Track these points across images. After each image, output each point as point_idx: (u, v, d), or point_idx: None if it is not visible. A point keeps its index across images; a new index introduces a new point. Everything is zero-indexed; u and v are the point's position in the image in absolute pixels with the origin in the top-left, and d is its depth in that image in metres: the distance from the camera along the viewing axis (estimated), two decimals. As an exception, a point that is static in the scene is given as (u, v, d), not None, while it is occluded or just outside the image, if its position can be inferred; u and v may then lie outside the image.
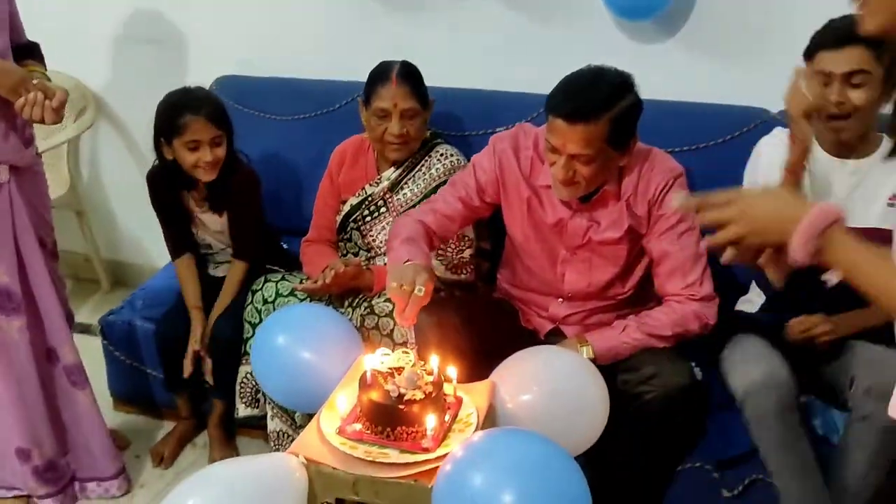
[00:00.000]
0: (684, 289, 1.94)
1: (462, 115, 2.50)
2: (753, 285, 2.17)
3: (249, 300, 2.19)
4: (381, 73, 2.18)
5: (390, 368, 1.59)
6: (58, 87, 1.82)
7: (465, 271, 2.20)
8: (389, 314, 2.01)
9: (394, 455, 1.48)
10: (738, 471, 1.96)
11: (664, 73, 2.33)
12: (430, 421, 1.48)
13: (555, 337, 2.09)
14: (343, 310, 2.14)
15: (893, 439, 1.75)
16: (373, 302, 2.07)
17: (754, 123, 2.32)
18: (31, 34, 2.03)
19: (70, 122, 2.95)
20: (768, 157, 2.00)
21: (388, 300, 2.05)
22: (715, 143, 2.34)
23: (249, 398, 2.24)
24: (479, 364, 1.80)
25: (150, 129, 2.25)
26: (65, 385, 2.07)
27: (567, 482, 1.33)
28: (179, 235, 2.35)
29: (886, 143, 1.88)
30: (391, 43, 2.57)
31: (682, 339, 1.94)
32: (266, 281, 2.20)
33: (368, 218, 2.27)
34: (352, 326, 1.89)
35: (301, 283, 2.19)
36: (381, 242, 2.24)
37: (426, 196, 2.20)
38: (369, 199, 2.27)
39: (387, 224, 2.24)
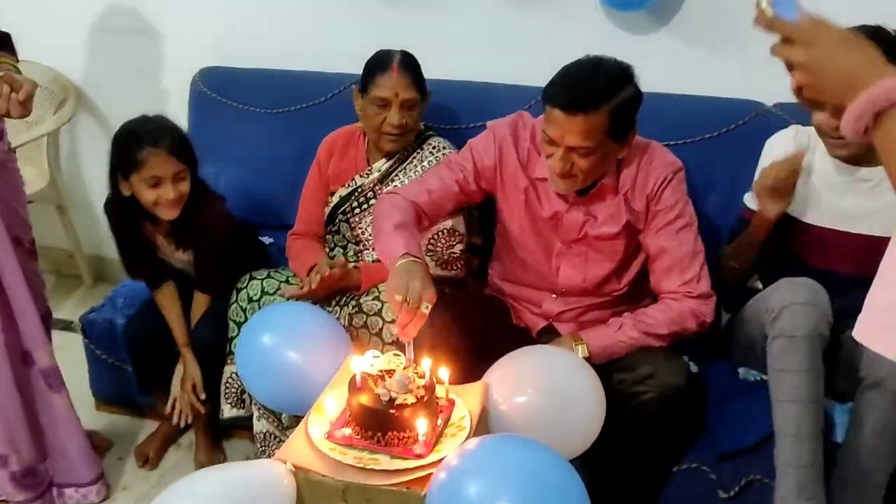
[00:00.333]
0: (681, 286, 1.90)
1: (451, 107, 2.45)
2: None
3: (234, 298, 2.13)
4: (381, 62, 2.12)
5: (381, 371, 1.54)
6: (26, 80, 1.74)
7: (455, 267, 2.15)
8: (378, 313, 1.96)
9: (385, 461, 1.43)
10: (735, 471, 1.93)
11: (657, 65, 2.28)
12: (422, 426, 1.44)
13: (548, 335, 2.04)
14: (330, 309, 2.08)
15: None
16: (361, 300, 2.02)
17: (749, 116, 2.29)
18: (8, 23, 1.95)
19: (49, 115, 2.88)
20: (778, 156, 1.97)
21: (377, 298, 2.00)
22: (710, 136, 2.30)
23: (235, 399, 2.18)
24: (470, 363, 1.76)
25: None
26: (42, 388, 2.00)
27: (565, 491, 1.28)
28: (151, 268, 2.20)
29: None
30: (379, 34, 2.49)
31: (678, 338, 1.91)
32: (251, 279, 2.13)
33: (357, 210, 2.21)
34: (340, 326, 1.84)
35: (287, 280, 2.14)
36: (370, 235, 2.18)
37: None
38: (359, 190, 2.21)
39: None
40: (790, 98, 2.31)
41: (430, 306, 1.58)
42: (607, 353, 1.87)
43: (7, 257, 1.89)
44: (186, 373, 2.17)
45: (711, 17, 2.34)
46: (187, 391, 2.17)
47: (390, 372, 1.54)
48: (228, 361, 2.16)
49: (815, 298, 1.77)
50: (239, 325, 2.10)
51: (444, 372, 1.55)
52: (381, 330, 1.95)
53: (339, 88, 2.55)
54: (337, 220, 2.25)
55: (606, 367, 1.83)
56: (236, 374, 2.13)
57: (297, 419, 2.00)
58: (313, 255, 2.18)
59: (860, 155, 1.84)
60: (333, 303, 2.10)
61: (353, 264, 2.20)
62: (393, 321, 1.93)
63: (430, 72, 2.24)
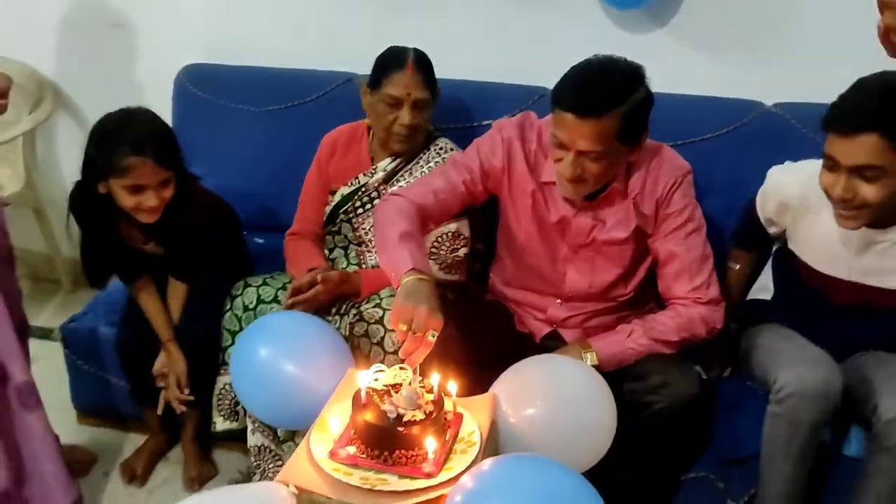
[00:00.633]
0: (691, 291, 1.85)
1: (448, 107, 2.37)
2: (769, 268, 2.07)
3: (229, 306, 2.04)
4: (395, 59, 2.04)
5: (386, 386, 1.46)
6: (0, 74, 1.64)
7: (458, 271, 2.09)
8: (380, 321, 1.88)
9: (393, 481, 1.35)
10: (744, 480, 1.89)
11: (657, 65, 2.21)
12: (432, 444, 1.36)
13: (552, 341, 1.98)
14: (330, 318, 2.00)
15: None
16: (361, 308, 1.94)
17: (750, 116, 2.25)
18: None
19: (25, 114, 2.77)
20: (776, 190, 1.90)
21: (378, 305, 1.92)
22: (710, 136, 2.26)
23: (228, 410, 2.10)
24: (474, 372, 1.69)
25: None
26: (17, 407, 1.87)
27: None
28: (125, 262, 2.07)
29: None
30: (371, 30, 2.44)
31: (688, 345, 1.86)
32: (246, 286, 2.05)
33: (360, 210, 2.14)
34: (340, 337, 1.75)
35: (283, 287, 2.06)
36: (373, 236, 2.10)
37: None
38: (363, 189, 2.13)
39: None
40: (790, 98, 2.28)
41: (436, 334, 1.51)
42: (616, 360, 1.82)
43: None
44: (171, 368, 2.07)
45: (711, 17, 2.30)
46: (171, 385, 2.06)
47: (396, 386, 1.46)
48: (222, 372, 2.08)
49: (826, 388, 1.69)
50: (233, 334, 2.02)
51: (453, 385, 1.48)
52: (382, 339, 1.87)
53: (331, 87, 2.48)
54: (338, 220, 2.17)
55: (616, 376, 1.78)
56: (230, 384, 2.05)
57: (293, 432, 1.93)
58: (311, 259, 2.10)
59: (871, 222, 1.72)
60: (333, 311, 2.02)
61: (353, 267, 2.13)
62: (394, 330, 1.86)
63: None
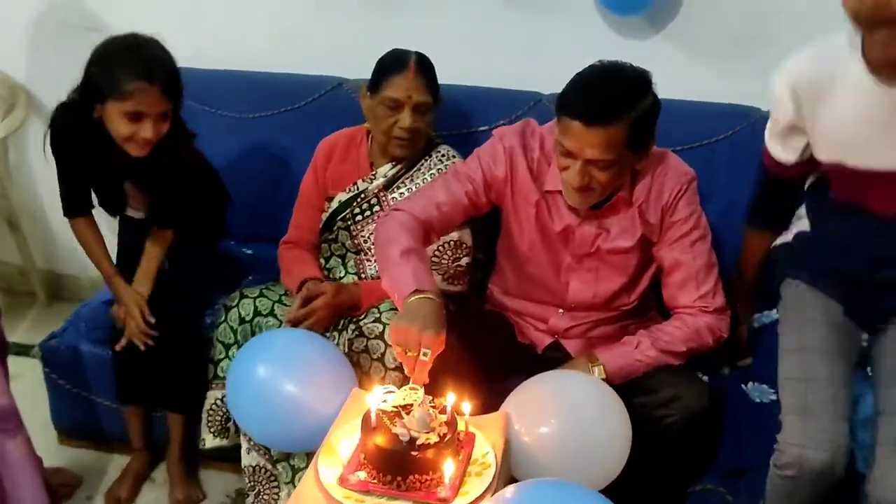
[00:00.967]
0: (697, 300, 1.82)
1: (440, 113, 2.28)
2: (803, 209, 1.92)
3: (223, 317, 1.96)
4: (396, 62, 1.99)
5: (396, 407, 1.40)
6: None
7: (461, 282, 2.03)
8: (380, 336, 1.82)
9: (408, 508, 1.30)
10: (751, 492, 1.84)
11: (653, 70, 2.22)
12: (448, 467, 1.30)
13: (554, 352, 1.94)
14: (328, 334, 1.93)
15: None
16: (361, 323, 1.87)
17: (746, 122, 2.22)
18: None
19: (-2, 121, 2.66)
20: (787, 81, 1.71)
21: (378, 320, 1.86)
22: (707, 142, 2.22)
23: (219, 427, 2.01)
24: (478, 386, 1.64)
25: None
26: None
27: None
28: (82, 193, 1.96)
29: None
30: (362, 34, 2.37)
31: (695, 354, 1.82)
32: (242, 297, 1.97)
33: (359, 217, 2.07)
34: (342, 355, 1.69)
35: (280, 299, 1.99)
36: (372, 245, 2.04)
37: None
38: (362, 195, 2.07)
39: None
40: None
41: (428, 352, 1.47)
42: (624, 373, 1.77)
43: None
44: (126, 302, 1.96)
45: (708, 23, 2.27)
46: (133, 315, 1.95)
47: (407, 408, 1.40)
48: (213, 386, 2.00)
49: (833, 451, 1.53)
50: (227, 346, 1.95)
51: (467, 405, 1.42)
52: (383, 355, 1.81)
53: (320, 92, 2.40)
54: (335, 228, 2.11)
55: (625, 389, 1.73)
56: (221, 399, 1.98)
57: (287, 452, 1.86)
58: (306, 269, 2.03)
59: None
60: (331, 327, 1.95)
61: (352, 276, 2.06)
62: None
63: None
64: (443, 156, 2.08)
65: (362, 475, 1.34)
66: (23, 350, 2.54)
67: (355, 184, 2.09)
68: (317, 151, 2.16)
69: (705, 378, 1.89)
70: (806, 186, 1.90)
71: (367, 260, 2.08)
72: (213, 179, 2.19)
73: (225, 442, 2.02)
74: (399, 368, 1.79)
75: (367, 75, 2.06)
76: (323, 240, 2.15)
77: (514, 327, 2.00)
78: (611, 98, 1.62)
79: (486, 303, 2.09)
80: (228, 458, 2.07)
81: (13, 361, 1.94)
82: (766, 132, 1.84)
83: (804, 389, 1.62)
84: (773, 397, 1.83)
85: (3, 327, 1.92)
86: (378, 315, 1.86)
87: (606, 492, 1.53)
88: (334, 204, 2.11)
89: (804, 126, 1.73)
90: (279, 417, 1.58)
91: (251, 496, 1.92)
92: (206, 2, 2.54)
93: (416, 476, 1.31)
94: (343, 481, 1.34)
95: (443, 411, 1.40)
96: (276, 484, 1.91)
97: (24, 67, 2.73)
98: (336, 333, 1.94)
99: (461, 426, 1.41)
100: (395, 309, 1.84)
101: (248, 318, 1.95)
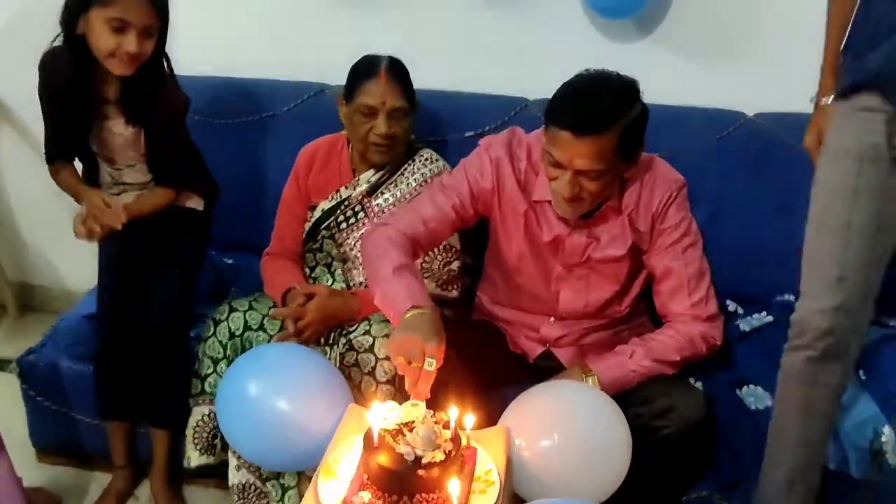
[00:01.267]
0: (690, 308, 1.82)
1: (424, 119, 2.28)
2: None
3: (212, 331, 1.91)
4: (367, 68, 1.96)
5: (398, 425, 1.37)
6: None
7: (453, 287, 2.01)
8: (370, 349, 1.79)
9: (414, 529, 1.27)
10: (746, 500, 1.85)
11: (640, 75, 2.22)
12: (455, 486, 1.28)
13: (546, 361, 1.93)
14: (319, 348, 1.89)
15: None
16: (351, 336, 1.84)
17: (733, 127, 2.22)
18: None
19: (-35, 127, 2.58)
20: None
21: (368, 333, 1.83)
22: (695, 147, 2.22)
23: (205, 444, 1.96)
24: (473, 397, 1.61)
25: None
26: None
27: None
28: (69, 138, 1.89)
29: None
30: (343, 39, 2.33)
31: (690, 363, 1.82)
32: (231, 310, 1.92)
33: (344, 225, 2.04)
34: (337, 370, 1.66)
35: (269, 310, 1.95)
36: (359, 252, 2.02)
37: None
38: (345, 203, 2.04)
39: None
40: (771, 107, 2.24)
41: (433, 363, 1.44)
42: (619, 384, 1.76)
43: None
44: (92, 200, 1.86)
45: (696, 27, 2.27)
46: (97, 205, 1.85)
47: (408, 425, 1.37)
48: (199, 402, 1.95)
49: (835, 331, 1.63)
50: (215, 361, 1.91)
51: (470, 418, 1.40)
52: (373, 369, 1.77)
53: (301, 98, 2.36)
54: (319, 237, 2.07)
55: (620, 400, 1.71)
56: (207, 415, 1.94)
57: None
58: (291, 278, 2.00)
59: None
60: (322, 341, 1.91)
61: (339, 286, 2.03)
62: (387, 357, 1.77)
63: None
64: (426, 160, 2.06)
65: (366, 496, 1.31)
66: (-1, 365, 2.47)
67: (338, 191, 2.06)
68: (297, 160, 2.13)
69: (698, 384, 1.89)
70: None
71: (355, 268, 2.05)
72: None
73: (211, 459, 1.97)
74: (391, 382, 1.77)
75: (351, 81, 2.03)
76: (307, 249, 2.11)
77: (505, 337, 1.98)
78: (600, 108, 1.61)
79: (475, 312, 2.07)
80: (214, 474, 2.02)
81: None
82: None
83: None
84: (769, 402, 1.84)
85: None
86: (368, 328, 1.83)
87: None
88: (317, 213, 2.07)
89: None
90: (273, 436, 1.54)
91: (240, 515, 1.88)
92: (185, 7, 2.47)
93: (423, 495, 1.28)
94: (347, 503, 1.31)
95: (446, 426, 1.37)
96: (266, 502, 1.87)
97: (-7, 75, 2.66)
98: (327, 348, 1.90)
99: (463, 441, 1.38)
100: (387, 321, 1.82)
101: (237, 333, 1.91)
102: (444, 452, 1.31)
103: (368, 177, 2.04)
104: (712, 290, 1.84)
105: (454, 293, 2.02)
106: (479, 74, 2.33)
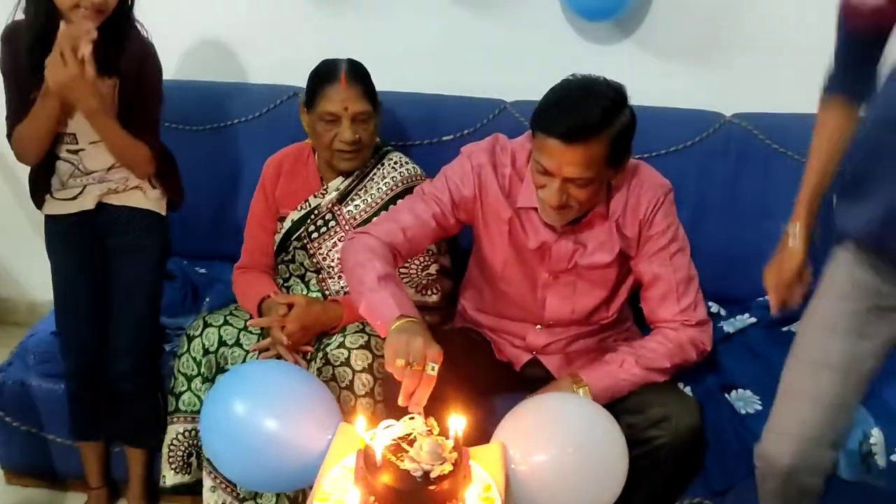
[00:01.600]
0: (679, 314, 1.80)
1: (399, 123, 2.26)
2: None
3: (185, 348, 1.86)
4: (326, 73, 1.91)
5: (396, 440, 1.33)
6: None
7: (433, 291, 1.97)
8: (346, 362, 1.75)
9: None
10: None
11: (619, 76, 2.21)
12: (471, 496, 1.25)
13: (532, 369, 1.91)
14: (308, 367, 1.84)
15: None
16: (327, 349, 1.80)
17: (713, 128, 2.23)
18: None
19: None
20: None
21: (342, 346, 1.78)
22: (675, 149, 2.23)
23: (180, 463, 1.91)
24: (468, 408, 1.57)
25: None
26: None
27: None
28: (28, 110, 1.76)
29: None
30: (318, 42, 2.28)
31: (680, 369, 1.81)
32: (206, 326, 1.87)
33: (315, 234, 2.00)
34: (325, 388, 1.60)
35: (245, 327, 1.90)
36: (333, 261, 1.97)
37: (382, 208, 1.97)
38: (315, 212, 2.00)
39: (339, 240, 1.97)
40: (747, 108, 2.23)
41: (436, 367, 1.41)
42: (609, 394, 1.75)
43: None
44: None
45: (675, 28, 2.28)
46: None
47: (405, 439, 1.33)
48: (173, 420, 1.90)
49: (805, 448, 1.52)
50: (189, 378, 1.85)
51: (460, 424, 1.37)
52: (351, 382, 1.73)
53: (274, 103, 2.31)
54: (291, 248, 2.02)
55: (612, 409, 1.69)
56: (182, 434, 1.90)
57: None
58: (263, 288, 1.96)
59: None
60: (303, 356, 1.86)
61: (316, 296, 1.98)
62: (363, 370, 1.74)
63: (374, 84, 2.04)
64: (395, 163, 2.02)
65: (374, 519, 1.27)
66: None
67: (307, 201, 2.01)
68: (263, 171, 2.08)
69: (687, 388, 1.88)
70: None
71: (331, 277, 2.01)
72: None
73: (187, 478, 1.93)
74: (369, 394, 1.73)
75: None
76: (279, 261, 2.06)
77: (491, 345, 1.96)
78: (591, 116, 1.58)
79: (457, 319, 2.04)
80: (190, 492, 1.97)
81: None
82: None
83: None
84: (759, 406, 1.84)
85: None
86: (342, 339, 1.79)
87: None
88: (287, 224, 2.02)
89: None
90: (262, 458, 1.48)
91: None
92: (156, 11, 2.40)
93: (439, 510, 1.25)
94: (358, 530, 1.26)
95: (447, 436, 1.33)
96: (242, 523, 1.82)
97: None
98: (306, 363, 1.86)
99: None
100: (361, 331, 1.79)
101: (212, 349, 1.85)
102: (452, 463, 1.28)
103: (337, 184, 2.00)
104: (701, 296, 1.83)
105: (434, 297, 1.99)
106: (458, 77, 2.30)
